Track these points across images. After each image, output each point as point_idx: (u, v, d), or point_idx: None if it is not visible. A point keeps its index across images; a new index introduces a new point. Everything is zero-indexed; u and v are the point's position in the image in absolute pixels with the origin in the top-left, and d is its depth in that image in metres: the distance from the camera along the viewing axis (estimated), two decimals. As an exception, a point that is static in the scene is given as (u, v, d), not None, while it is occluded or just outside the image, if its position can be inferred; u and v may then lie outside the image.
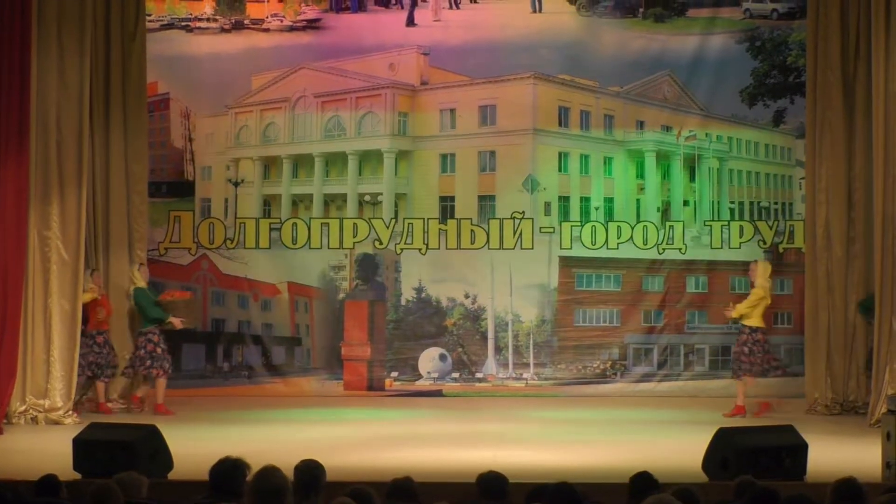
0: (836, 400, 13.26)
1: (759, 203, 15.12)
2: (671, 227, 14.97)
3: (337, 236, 15.01)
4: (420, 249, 14.96)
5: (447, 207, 15.11)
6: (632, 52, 15.10)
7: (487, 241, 14.90)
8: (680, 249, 14.94)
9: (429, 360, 15.00)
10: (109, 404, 13.30)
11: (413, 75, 15.24)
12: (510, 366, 14.95)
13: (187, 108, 15.20)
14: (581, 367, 14.93)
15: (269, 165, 15.37)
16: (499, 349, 14.96)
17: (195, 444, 10.14)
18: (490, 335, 14.98)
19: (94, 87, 13.14)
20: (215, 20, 15.24)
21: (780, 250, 14.83)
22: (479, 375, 14.97)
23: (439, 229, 14.97)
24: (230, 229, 15.03)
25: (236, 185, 15.22)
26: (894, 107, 12.39)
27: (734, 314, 13.17)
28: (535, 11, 15.08)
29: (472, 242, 14.93)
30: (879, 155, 12.53)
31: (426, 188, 15.16)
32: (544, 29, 15.01)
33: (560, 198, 15.07)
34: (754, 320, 13.05)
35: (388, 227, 14.98)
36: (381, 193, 15.16)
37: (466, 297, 15.03)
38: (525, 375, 14.93)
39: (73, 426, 11.64)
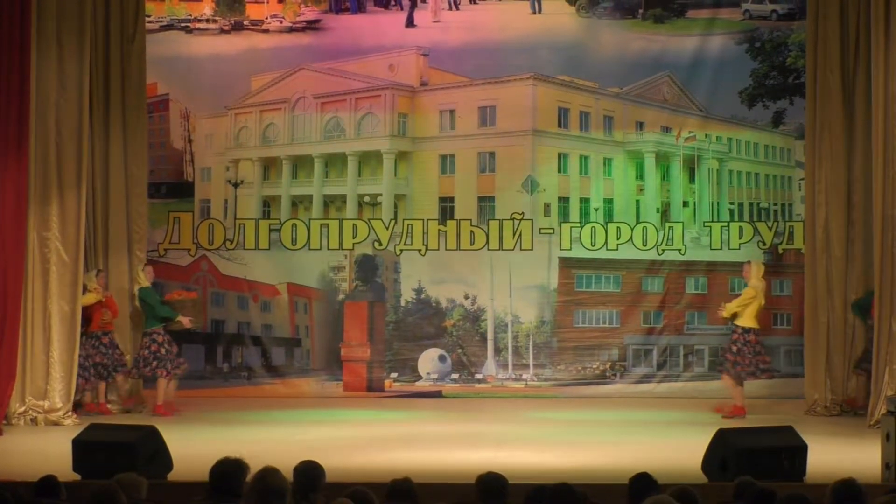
0: (836, 401, 13.26)
1: (758, 204, 15.11)
2: (671, 228, 14.96)
3: (336, 237, 15.00)
4: (419, 250, 14.96)
5: (447, 208, 15.10)
6: (631, 53, 15.09)
7: (487, 242, 14.90)
8: (679, 250, 14.94)
9: (428, 361, 14.99)
10: (109, 405, 13.29)
11: (412, 76, 15.23)
12: (510, 367, 14.94)
13: (187, 109, 15.20)
14: (580, 368, 14.92)
15: (269, 166, 15.37)
16: (498, 350, 14.96)
17: (195, 445, 10.13)
18: (489, 336, 14.97)
19: (93, 89, 13.14)
20: (215, 21, 15.24)
21: (780, 251, 14.82)
22: (478, 376, 14.96)
23: (439, 230, 14.96)
24: (230, 230, 15.02)
25: (236, 186, 15.21)
26: (894, 108, 12.38)
27: (725, 313, 13.19)
28: (534, 12, 15.07)
29: (472, 243, 14.93)
30: (879, 156, 12.52)
31: (426, 189, 15.15)
32: (544, 30, 15.00)
33: (559, 199, 15.06)
34: (746, 320, 13.04)
35: (387, 228, 14.97)
36: (380, 194, 15.16)
37: (466, 298, 15.02)
38: (524, 376, 14.92)
39: (72, 427, 11.65)
